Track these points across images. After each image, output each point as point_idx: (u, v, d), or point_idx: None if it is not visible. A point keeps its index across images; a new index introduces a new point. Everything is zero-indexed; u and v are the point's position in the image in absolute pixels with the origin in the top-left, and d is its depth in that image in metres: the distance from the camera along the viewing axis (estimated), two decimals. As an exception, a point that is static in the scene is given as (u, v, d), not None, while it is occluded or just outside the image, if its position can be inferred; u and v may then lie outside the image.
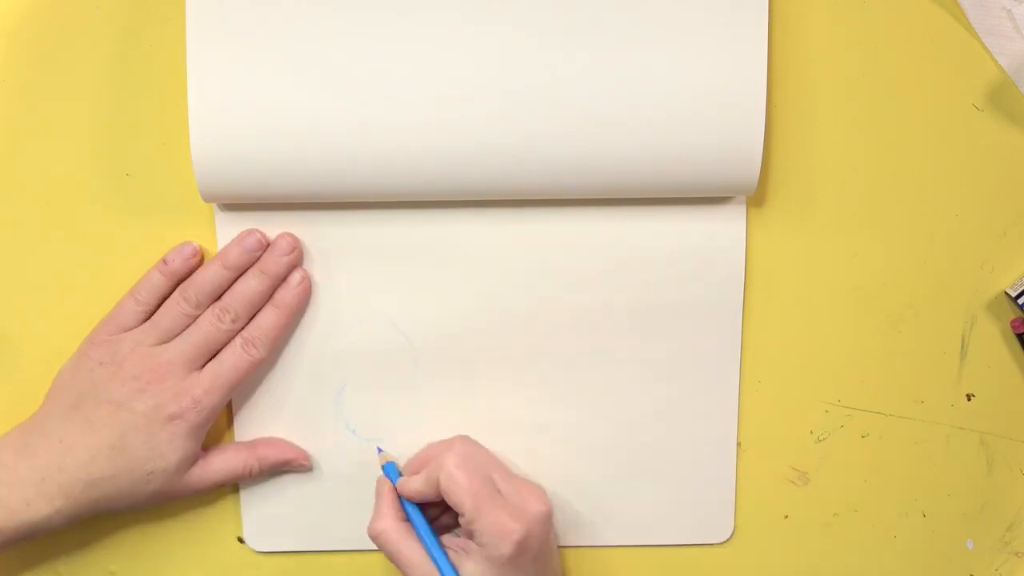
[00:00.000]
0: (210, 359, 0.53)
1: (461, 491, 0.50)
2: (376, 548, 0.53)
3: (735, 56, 0.50)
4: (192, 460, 0.53)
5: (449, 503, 0.51)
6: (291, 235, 0.54)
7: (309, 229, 0.54)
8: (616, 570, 0.59)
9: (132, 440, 0.51)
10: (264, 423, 0.56)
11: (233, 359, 0.53)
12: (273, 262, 0.53)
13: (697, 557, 0.58)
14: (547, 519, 0.52)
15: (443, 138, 0.50)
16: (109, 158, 0.54)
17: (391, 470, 0.55)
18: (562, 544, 0.58)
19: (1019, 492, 0.58)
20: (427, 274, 0.55)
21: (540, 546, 0.51)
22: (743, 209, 0.54)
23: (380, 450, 0.56)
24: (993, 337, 0.57)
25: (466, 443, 0.54)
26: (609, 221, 0.54)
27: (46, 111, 0.54)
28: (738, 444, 0.57)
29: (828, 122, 0.54)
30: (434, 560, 0.51)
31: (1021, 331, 0.55)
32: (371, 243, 0.55)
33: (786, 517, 0.58)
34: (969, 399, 0.57)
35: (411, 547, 0.52)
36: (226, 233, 0.54)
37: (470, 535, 0.51)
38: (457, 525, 0.54)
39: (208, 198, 0.52)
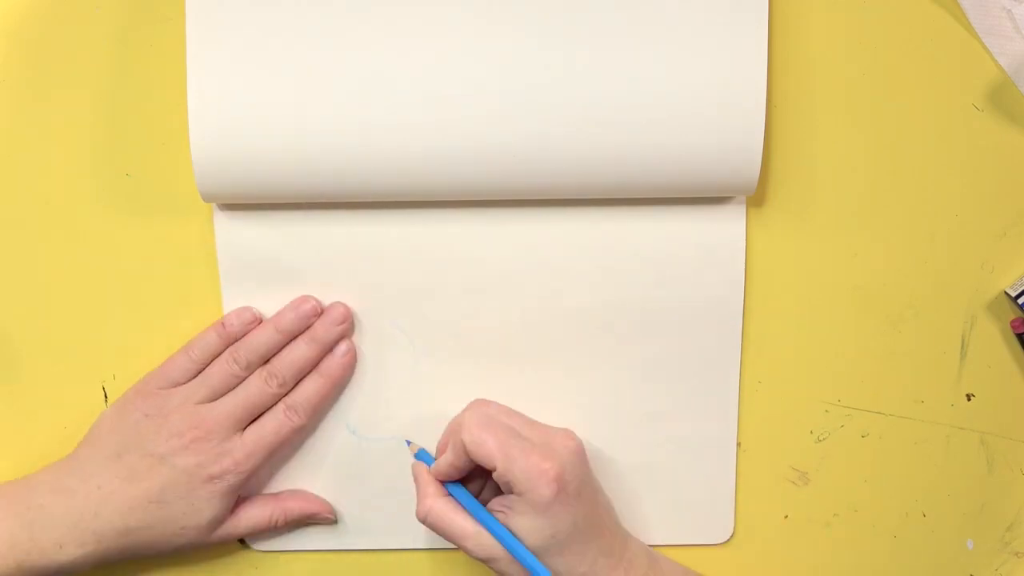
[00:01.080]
0: (253, 420, 0.53)
1: (487, 447, 0.50)
2: (376, 547, 0.53)
3: (735, 56, 0.50)
4: (223, 518, 0.54)
5: (479, 463, 0.51)
6: (344, 305, 0.54)
7: (309, 229, 0.54)
8: (616, 570, 0.59)
9: (171, 495, 0.52)
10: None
11: (275, 424, 0.53)
12: (324, 330, 0.54)
13: (697, 557, 0.58)
14: (579, 454, 0.52)
15: (443, 138, 0.50)
16: (109, 158, 0.54)
17: (424, 456, 0.55)
18: (562, 544, 0.58)
19: (1019, 492, 0.58)
20: (427, 274, 0.55)
21: (579, 482, 0.51)
22: (743, 209, 0.54)
23: (409, 443, 0.56)
24: (993, 337, 0.57)
25: (481, 403, 0.54)
26: (609, 221, 0.54)
27: (46, 111, 0.54)
28: (738, 444, 0.57)
29: (828, 122, 0.54)
30: (484, 524, 0.51)
31: (1021, 331, 0.55)
32: (371, 243, 0.55)
33: (786, 517, 0.58)
34: (969, 399, 0.57)
35: (460, 519, 0.52)
36: (226, 233, 0.54)
37: (508, 488, 0.51)
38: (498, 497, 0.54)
39: (208, 198, 0.52)
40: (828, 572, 0.59)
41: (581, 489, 0.51)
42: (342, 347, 0.54)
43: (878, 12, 0.53)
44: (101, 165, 0.54)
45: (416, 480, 0.54)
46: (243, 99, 0.49)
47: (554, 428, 0.53)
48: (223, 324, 0.54)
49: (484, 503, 0.53)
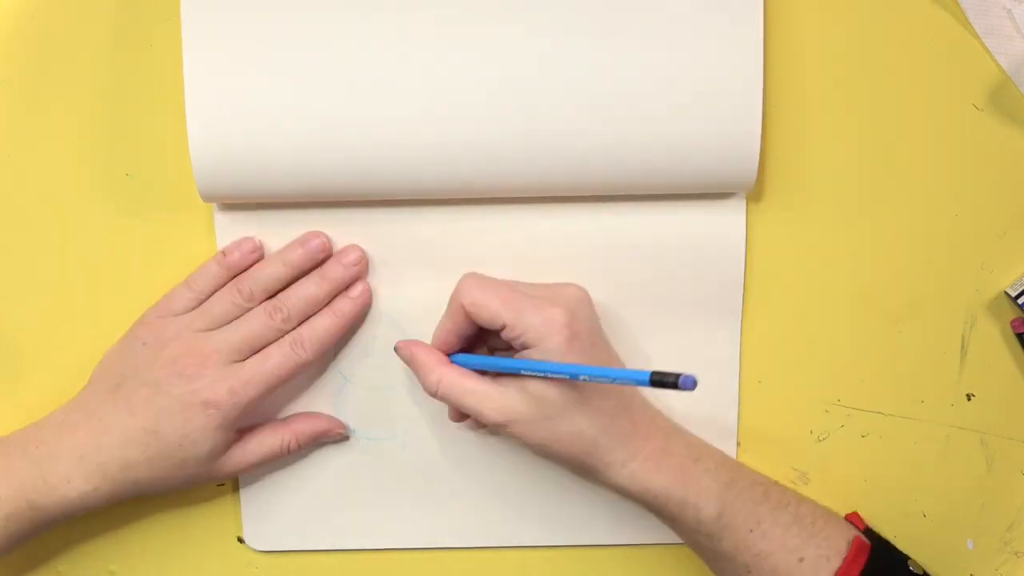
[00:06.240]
0: (252, 355, 0.52)
1: (491, 304, 0.49)
2: (376, 547, 0.53)
3: (732, 52, 0.50)
4: (224, 449, 0.53)
5: (483, 324, 0.50)
6: (359, 248, 0.53)
7: (309, 228, 0.54)
8: (616, 570, 0.59)
9: (166, 425, 0.51)
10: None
11: (280, 357, 0.52)
12: (338, 270, 0.53)
13: (698, 557, 0.58)
14: (586, 301, 0.51)
15: (441, 136, 0.50)
16: (109, 158, 0.54)
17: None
18: (560, 544, 0.58)
19: (1019, 492, 0.58)
20: (428, 272, 0.55)
21: (591, 330, 0.50)
22: (743, 206, 0.54)
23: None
24: (993, 337, 0.57)
25: (473, 273, 0.52)
26: (608, 218, 0.54)
27: (46, 111, 0.54)
28: (738, 444, 0.57)
29: (827, 122, 0.54)
30: (509, 371, 0.48)
31: (1021, 331, 0.55)
32: (371, 242, 0.55)
33: (786, 517, 0.58)
34: (969, 399, 0.57)
35: (475, 379, 0.50)
36: (225, 233, 0.54)
37: (520, 344, 0.49)
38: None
39: (208, 198, 0.52)
40: (828, 572, 0.59)
41: (594, 338, 0.50)
42: (358, 287, 0.53)
43: (877, 12, 0.53)
44: (101, 165, 0.54)
45: (414, 358, 0.52)
46: (242, 99, 0.50)
47: (556, 283, 0.52)
48: (223, 253, 0.53)
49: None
